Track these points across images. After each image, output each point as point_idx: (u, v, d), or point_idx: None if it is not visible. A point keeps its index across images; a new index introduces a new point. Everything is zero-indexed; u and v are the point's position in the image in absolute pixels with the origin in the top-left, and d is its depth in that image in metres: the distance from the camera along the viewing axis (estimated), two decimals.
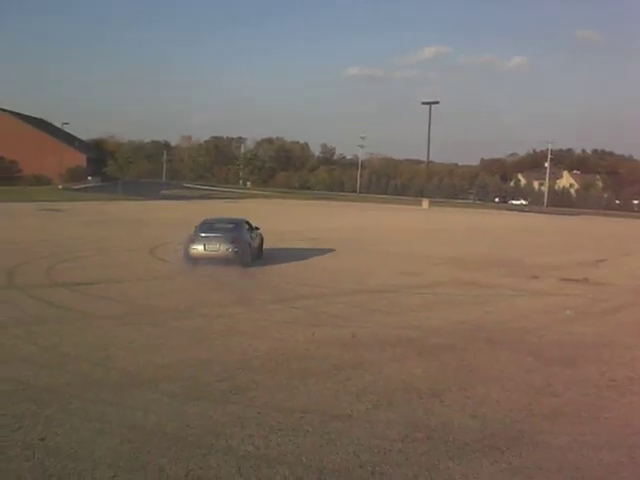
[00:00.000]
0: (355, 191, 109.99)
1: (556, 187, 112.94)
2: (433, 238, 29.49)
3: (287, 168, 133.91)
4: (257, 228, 18.47)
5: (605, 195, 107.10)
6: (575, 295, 14.11)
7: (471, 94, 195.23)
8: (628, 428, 6.12)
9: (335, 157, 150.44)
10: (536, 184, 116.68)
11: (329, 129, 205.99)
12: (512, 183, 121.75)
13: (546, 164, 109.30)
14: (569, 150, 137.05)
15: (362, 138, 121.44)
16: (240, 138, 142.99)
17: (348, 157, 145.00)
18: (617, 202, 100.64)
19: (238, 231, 16.89)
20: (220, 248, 15.95)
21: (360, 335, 9.55)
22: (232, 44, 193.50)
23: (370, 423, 6.10)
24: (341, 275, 16.07)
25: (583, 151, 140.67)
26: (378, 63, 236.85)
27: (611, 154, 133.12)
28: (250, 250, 16.86)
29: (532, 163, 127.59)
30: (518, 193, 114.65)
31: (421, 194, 72.88)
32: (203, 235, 16.31)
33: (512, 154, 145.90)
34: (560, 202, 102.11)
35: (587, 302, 13.33)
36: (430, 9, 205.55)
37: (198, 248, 15.98)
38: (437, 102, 72.08)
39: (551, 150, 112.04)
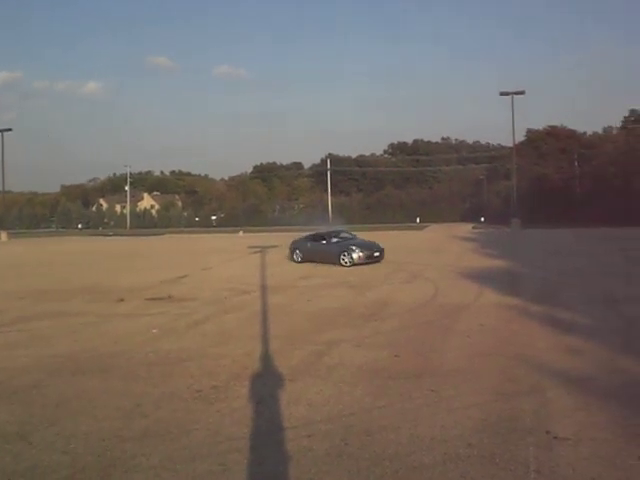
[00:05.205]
0: None
1: (138, 209, 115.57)
2: (9, 272, 27.47)
3: None
4: None
5: (185, 214, 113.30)
6: (160, 313, 14.55)
7: (49, 120, 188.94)
8: (217, 436, 6.47)
9: None
10: (118, 207, 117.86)
11: None
12: (94, 208, 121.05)
13: (126, 187, 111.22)
14: (148, 172, 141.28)
15: None
16: None
17: None
18: (197, 219, 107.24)
19: None
20: None
21: None
22: None
23: None
24: None
25: (162, 173, 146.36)
26: None
27: (189, 174, 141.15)
28: None
29: (113, 187, 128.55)
30: (101, 217, 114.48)
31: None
32: None
33: (93, 179, 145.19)
34: (143, 223, 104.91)
35: (172, 318, 13.84)
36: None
37: None
38: (10, 129, 66.98)
39: (130, 173, 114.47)
